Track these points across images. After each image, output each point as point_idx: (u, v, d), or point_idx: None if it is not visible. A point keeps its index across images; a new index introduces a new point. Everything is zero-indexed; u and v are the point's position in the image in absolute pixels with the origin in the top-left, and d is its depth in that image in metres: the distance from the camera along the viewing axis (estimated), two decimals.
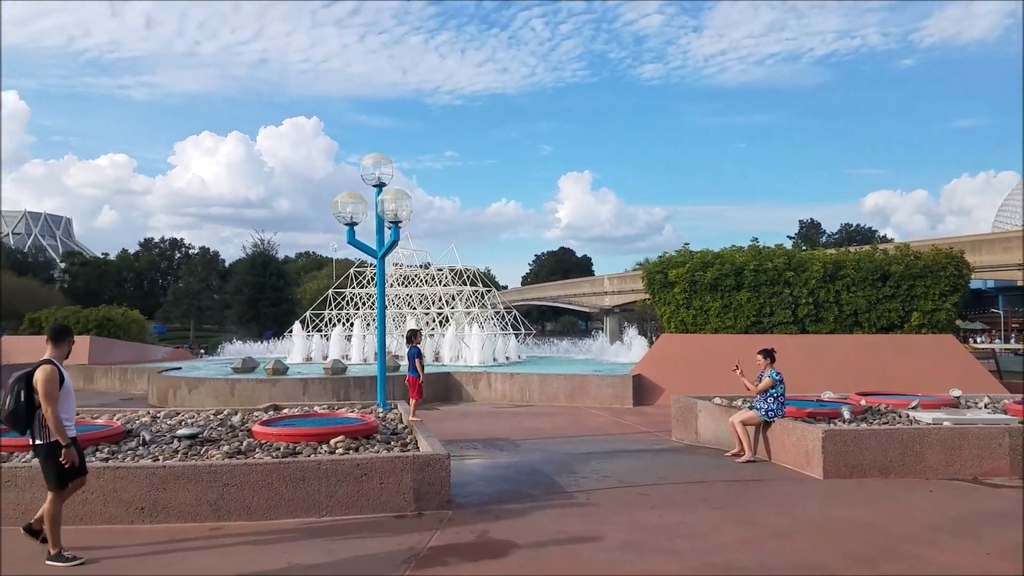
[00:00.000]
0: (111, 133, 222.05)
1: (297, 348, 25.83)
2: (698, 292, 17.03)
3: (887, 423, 9.67)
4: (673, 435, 11.77)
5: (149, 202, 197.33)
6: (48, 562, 5.66)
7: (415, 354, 11.68)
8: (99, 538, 6.31)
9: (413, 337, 12.07)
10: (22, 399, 5.60)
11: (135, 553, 5.99)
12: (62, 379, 5.70)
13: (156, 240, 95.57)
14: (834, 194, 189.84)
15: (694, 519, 6.97)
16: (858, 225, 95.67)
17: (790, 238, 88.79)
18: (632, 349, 23.37)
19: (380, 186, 10.67)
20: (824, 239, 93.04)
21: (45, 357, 5.77)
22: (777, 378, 9.78)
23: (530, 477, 8.91)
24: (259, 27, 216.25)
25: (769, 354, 10.00)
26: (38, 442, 5.71)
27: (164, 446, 7.97)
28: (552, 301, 75.99)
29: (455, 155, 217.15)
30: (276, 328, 52.82)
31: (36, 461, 6.10)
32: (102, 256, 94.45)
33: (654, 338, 23.58)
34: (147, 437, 8.21)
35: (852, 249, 18.45)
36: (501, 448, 10.95)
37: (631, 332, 25.53)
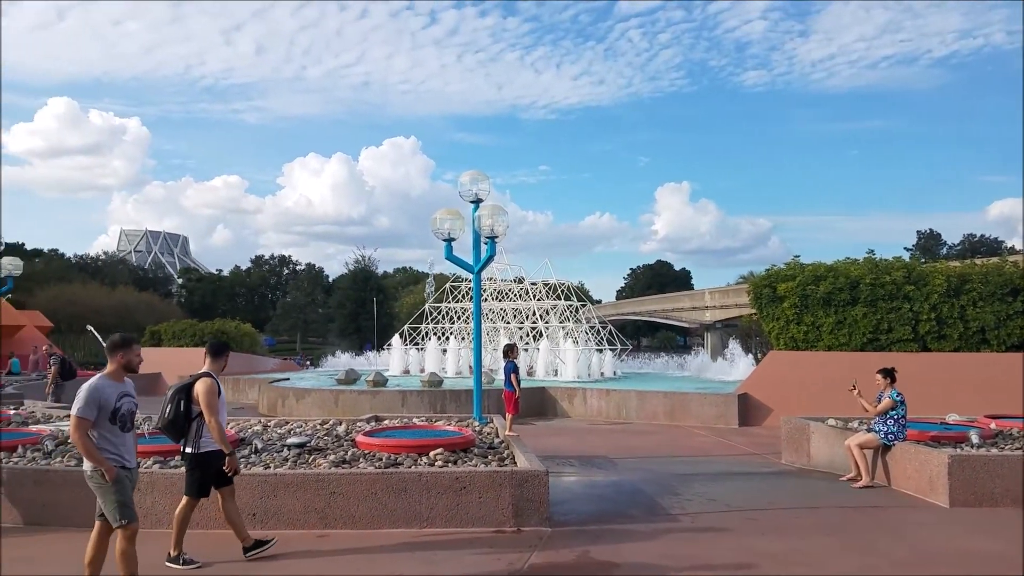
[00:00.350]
0: (225, 156, 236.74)
1: (396, 361, 26.40)
2: (809, 307, 16.24)
3: (1020, 448, 8.85)
4: (783, 458, 11.21)
5: (259, 221, 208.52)
6: (168, 564, 5.92)
7: (511, 369, 11.65)
8: (213, 542, 6.56)
9: (509, 352, 12.06)
10: (181, 409, 5.86)
11: (247, 558, 6.17)
12: (219, 391, 5.98)
13: (266, 257, 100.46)
14: (955, 203, 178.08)
15: (807, 546, 6.58)
16: (982, 235, 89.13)
17: (907, 250, 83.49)
18: (736, 366, 22.56)
19: (477, 202, 10.76)
20: (945, 251, 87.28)
21: (204, 370, 6.05)
22: (898, 399, 9.16)
23: (631, 497, 8.68)
24: (361, 51, 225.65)
25: (889, 373, 9.39)
26: (188, 450, 5.98)
27: (275, 454, 8.25)
28: (649, 316, 74.55)
29: (549, 169, 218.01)
30: (376, 341, 54.37)
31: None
32: (216, 272, 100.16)
33: (760, 355, 22.69)
34: (259, 445, 8.52)
35: (978, 261, 17.15)
36: (599, 466, 10.74)
37: (734, 348, 24.63)
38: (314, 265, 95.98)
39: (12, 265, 17.88)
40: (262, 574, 5.84)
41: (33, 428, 10.34)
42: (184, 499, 6.06)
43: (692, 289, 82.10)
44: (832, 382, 13.65)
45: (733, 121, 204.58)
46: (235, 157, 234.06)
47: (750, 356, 24.80)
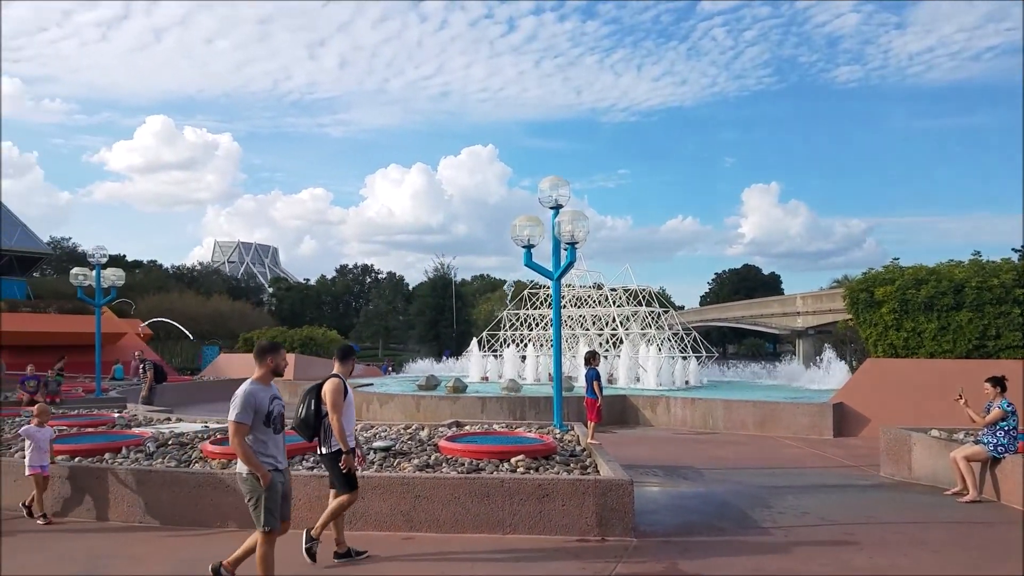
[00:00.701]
0: (311, 168, 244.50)
1: (474, 367, 26.62)
2: (910, 312, 15.40)
3: None
4: (881, 470, 10.63)
5: (343, 231, 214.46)
6: (337, 559, 6.24)
7: (593, 376, 11.51)
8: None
9: (592, 359, 11.92)
10: (312, 408, 6.11)
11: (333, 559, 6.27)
12: (346, 392, 6.20)
13: (350, 266, 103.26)
14: None
15: (910, 563, 6.19)
16: None
17: (1016, 251, 78.21)
18: (830, 374, 21.58)
19: (557, 208, 10.68)
20: None
21: (333, 372, 6.30)
22: (1008, 409, 8.55)
23: (719, 509, 8.39)
24: (441, 62, 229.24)
25: (999, 382, 8.77)
26: (323, 451, 6.23)
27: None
28: (736, 322, 72.31)
29: (628, 173, 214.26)
30: (454, 347, 55.00)
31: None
32: (304, 281, 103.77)
33: (855, 363, 21.68)
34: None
35: None
36: (684, 476, 10.45)
37: (828, 356, 23.60)
38: (395, 273, 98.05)
39: (115, 276, 18.93)
40: (354, 573, 5.93)
41: (136, 430, 10.90)
42: (340, 497, 6.26)
43: (782, 294, 79.19)
44: (934, 391, 12.90)
45: (824, 119, 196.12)
46: (320, 170, 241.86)
47: (845, 364, 23.71)
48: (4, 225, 39.71)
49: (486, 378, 25.41)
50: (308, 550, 6.17)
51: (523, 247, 10.64)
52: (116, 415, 13.13)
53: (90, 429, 11.11)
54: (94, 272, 18.58)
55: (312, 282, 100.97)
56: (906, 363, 15.30)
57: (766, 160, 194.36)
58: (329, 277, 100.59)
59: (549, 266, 11.04)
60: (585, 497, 6.99)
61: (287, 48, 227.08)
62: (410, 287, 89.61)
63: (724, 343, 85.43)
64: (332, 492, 6.46)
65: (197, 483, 7.40)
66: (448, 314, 64.96)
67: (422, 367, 34.50)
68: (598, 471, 7.77)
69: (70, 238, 75.39)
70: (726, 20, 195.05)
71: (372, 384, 23.52)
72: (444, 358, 41.55)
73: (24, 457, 7.90)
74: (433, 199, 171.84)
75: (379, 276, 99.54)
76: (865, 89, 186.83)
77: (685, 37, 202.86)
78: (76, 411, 14.11)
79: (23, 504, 7.85)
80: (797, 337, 60.22)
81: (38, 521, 7.58)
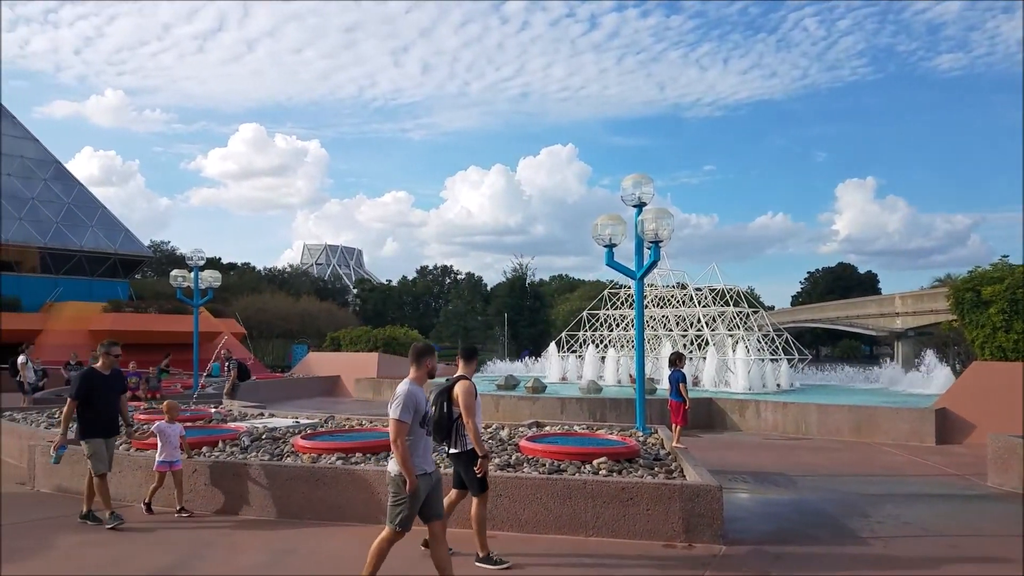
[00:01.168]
0: (393, 172, 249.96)
1: (553, 367, 26.59)
2: (1020, 313, 14.42)
3: None
4: (989, 480, 9.96)
5: (424, 233, 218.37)
6: (478, 564, 6.08)
7: (679, 378, 11.25)
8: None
9: (677, 361, 11.65)
10: (444, 410, 6.05)
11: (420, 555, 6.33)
12: (476, 393, 6.13)
13: (430, 267, 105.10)
14: None
15: None
16: None
17: None
18: (932, 378, 20.44)
19: (640, 206, 10.51)
20: None
21: (460, 373, 6.23)
22: None
23: (813, 518, 8.04)
24: (521, 63, 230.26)
25: None
26: (455, 450, 6.13)
27: (443, 454, 8.46)
28: (830, 323, 69.32)
29: (714, 169, 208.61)
30: (532, 348, 55.06)
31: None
32: (386, 282, 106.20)
33: (960, 366, 20.46)
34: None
35: None
36: (775, 483, 10.08)
37: (930, 359, 22.36)
38: (473, 274, 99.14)
39: (212, 278, 19.92)
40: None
41: (232, 425, 11.36)
42: (474, 499, 6.20)
43: (879, 294, 75.61)
44: None
45: (924, 109, 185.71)
46: (403, 173, 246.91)
47: (948, 367, 22.42)
48: (108, 229, 42.27)
49: (565, 379, 25.33)
50: (493, 561, 6.07)
51: (605, 246, 10.52)
52: (212, 410, 13.75)
53: (188, 424, 11.63)
54: (192, 274, 19.53)
55: (394, 283, 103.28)
56: (1016, 367, 14.29)
57: (861, 154, 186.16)
58: (410, 278, 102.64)
59: (631, 265, 10.88)
60: (671, 502, 6.82)
61: (372, 55, 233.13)
62: (488, 288, 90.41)
63: (817, 345, 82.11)
64: (454, 492, 6.43)
65: (289, 476, 7.63)
66: (527, 314, 65.11)
67: (501, 367, 34.70)
68: (684, 476, 7.58)
69: (169, 241, 79.80)
70: (818, 10, 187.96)
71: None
72: (523, 358, 41.69)
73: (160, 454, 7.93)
74: (512, 200, 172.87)
75: (458, 277, 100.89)
76: (969, 78, 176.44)
77: (775, 28, 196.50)
78: None
79: (144, 503, 7.91)
80: (896, 339, 57.37)
81: (177, 515, 7.72)
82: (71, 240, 40.21)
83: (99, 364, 7.76)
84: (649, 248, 10.35)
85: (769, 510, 8.42)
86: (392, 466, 5.22)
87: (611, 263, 10.69)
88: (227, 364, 20.49)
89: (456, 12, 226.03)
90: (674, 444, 9.53)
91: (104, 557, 6.26)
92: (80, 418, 7.53)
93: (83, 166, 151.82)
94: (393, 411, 5.14)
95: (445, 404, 6.07)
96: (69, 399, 7.57)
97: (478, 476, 6.07)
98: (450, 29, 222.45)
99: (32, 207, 39.47)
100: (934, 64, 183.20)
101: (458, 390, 6.04)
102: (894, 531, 7.35)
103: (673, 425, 10.88)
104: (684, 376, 11.33)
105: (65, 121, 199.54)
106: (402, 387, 5.25)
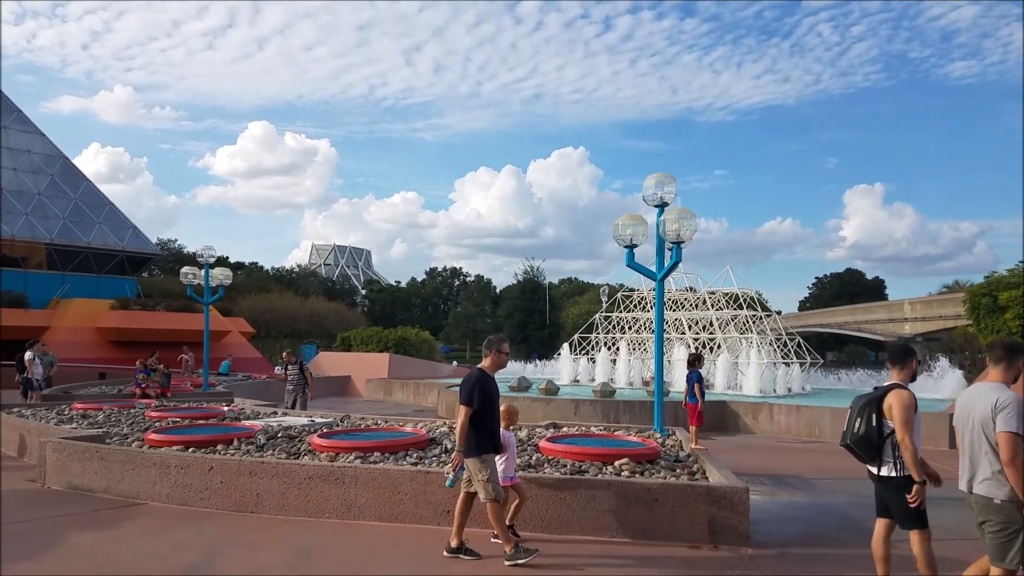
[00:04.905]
0: (403, 173, 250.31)
1: (565, 370, 26.47)
2: None
3: None
4: None
5: (433, 235, 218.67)
6: None
7: (696, 378, 11.14)
8: (411, 536, 6.75)
9: (696, 362, 11.54)
10: (873, 423, 5.15)
11: (442, 554, 6.25)
12: (915, 407, 5.13)
13: (439, 269, 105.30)
14: None
15: None
16: None
17: None
18: (943, 383, 20.26)
19: (662, 206, 10.40)
20: None
21: (894, 382, 5.26)
22: None
23: (837, 520, 7.95)
24: (534, 64, 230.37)
25: None
26: (885, 473, 5.18)
27: None
28: (839, 328, 69.07)
29: (725, 173, 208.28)
30: (541, 350, 54.91)
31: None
32: (395, 284, 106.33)
33: (972, 371, 20.28)
34: (448, 445, 8.71)
35: None
36: (794, 486, 9.96)
37: (941, 364, 22.18)
38: (482, 277, 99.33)
39: (223, 275, 19.79)
40: (461, 573, 5.87)
41: (246, 423, 11.29)
42: (915, 537, 5.18)
43: (885, 299, 75.31)
44: None
45: (935, 117, 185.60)
46: (412, 174, 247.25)
47: (960, 372, 22.22)
48: (116, 226, 42.32)
49: (577, 381, 25.21)
50: None
51: (625, 247, 10.42)
52: (225, 408, 13.70)
53: (202, 421, 11.60)
54: (203, 271, 19.48)
55: (403, 284, 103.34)
56: None
57: (871, 161, 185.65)
58: (419, 280, 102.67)
59: (648, 268, 10.78)
60: (697, 504, 6.72)
61: (384, 54, 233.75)
62: (497, 290, 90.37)
63: (823, 350, 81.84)
64: (881, 522, 5.55)
65: (308, 475, 7.55)
66: (537, 317, 64.99)
67: (512, 369, 34.60)
68: (707, 477, 7.48)
69: (176, 240, 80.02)
70: (833, 15, 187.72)
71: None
72: (533, 360, 41.57)
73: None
74: (522, 202, 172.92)
75: (467, 279, 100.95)
76: (981, 86, 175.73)
77: (789, 33, 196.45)
78: (187, 404, 14.80)
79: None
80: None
81: (493, 539, 6.46)
82: (78, 237, 40.27)
83: (486, 364, 6.46)
84: (670, 249, 10.24)
85: (792, 513, 8.30)
86: (995, 490, 4.51)
87: (632, 264, 10.58)
88: (291, 367, 15.73)
89: (470, 12, 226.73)
90: (693, 446, 9.42)
91: (125, 555, 6.19)
92: (475, 430, 6.15)
93: (90, 162, 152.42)
94: (1012, 424, 4.34)
95: (875, 416, 5.14)
96: (463, 407, 6.13)
97: (911, 506, 5.01)
98: (463, 28, 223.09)
99: (39, 203, 39.53)
100: (946, 71, 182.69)
101: (892, 400, 5.04)
102: None
103: (690, 426, 10.77)
104: (701, 377, 11.23)
105: (72, 117, 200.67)
106: (1007, 394, 4.45)
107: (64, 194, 40.98)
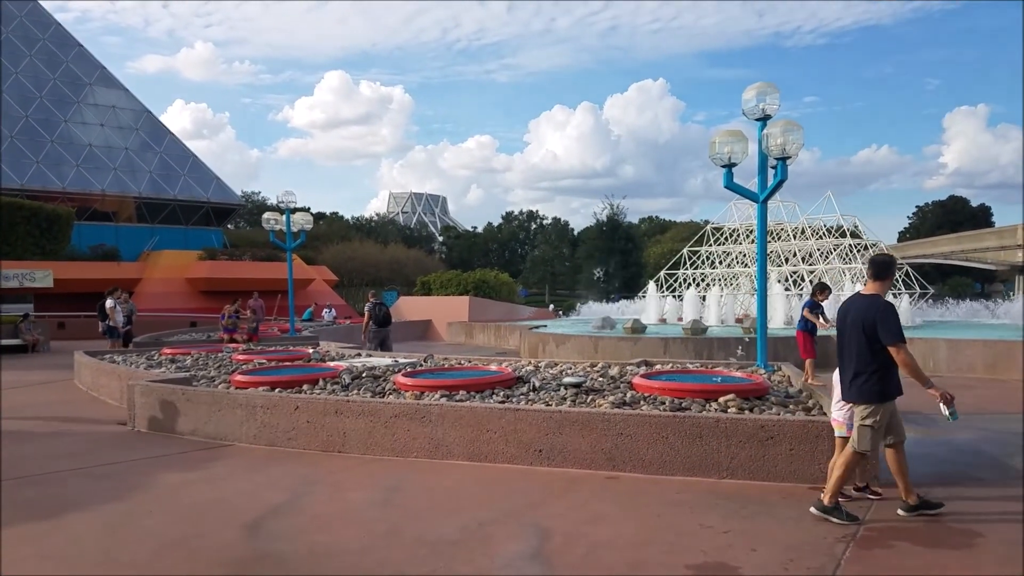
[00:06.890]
0: (477, 117, 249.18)
1: (651, 308, 25.64)
2: None
3: None
4: None
5: (508, 179, 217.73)
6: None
7: (808, 305, 10.25)
8: (501, 475, 6.37)
9: (820, 291, 10.61)
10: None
11: (539, 494, 5.83)
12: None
13: (515, 213, 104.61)
14: None
15: None
16: None
17: None
18: None
19: (764, 119, 9.40)
20: None
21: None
22: None
23: (971, 457, 7.14)
24: None
25: None
26: None
27: (552, 392, 7.94)
28: (944, 258, 64.65)
29: (816, 100, 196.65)
30: (624, 291, 53.93)
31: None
32: (472, 229, 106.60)
33: None
34: (536, 383, 8.27)
35: None
36: (917, 423, 9.04)
37: None
38: (559, 219, 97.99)
39: (304, 220, 19.76)
40: (554, 512, 5.43)
41: (331, 364, 11.18)
42: None
43: (993, 227, 70.08)
44: None
45: None
46: (487, 118, 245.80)
47: None
48: (201, 179, 43.39)
49: (663, 320, 24.39)
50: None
51: (723, 166, 9.51)
52: (310, 351, 13.70)
53: (288, 363, 11.56)
54: (284, 216, 19.52)
55: (479, 230, 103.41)
56: None
57: (975, 80, 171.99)
58: (495, 224, 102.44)
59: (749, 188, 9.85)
60: (819, 441, 6.03)
61: None
62: (575, 232, 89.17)
63: (927, 282, 77.53)
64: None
65: (393, 414, 7.25)
66: (618, 256, 63.69)
67: (594, 309, 33.98)
68: (823, 413, 6.75)
69: (259, 192, 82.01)
70: None
71: (546, 326, 23.31)
72: (614, 301, 40.81)
73: None
74: (599, 141, 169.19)
75: (544, 222, 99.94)
76: None
77: None
78: (273, 348, 14.93)
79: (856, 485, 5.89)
80: (1018, 273, 53.12)
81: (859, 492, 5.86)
82: (165, 190, 41.53)
83: (878, 288, 5.40)
84: (774, 167, 9.26)
85: (922, 451, 7.48)
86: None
87: (730, 184, 9.66)
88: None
89: None
90: (809, 380, 8.64)
91: (212, 495, 6.04)
92: (886, 370, 5.32)
93: (175, 119, 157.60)
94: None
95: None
96: (899, 346, 5.18)
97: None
98: None
99: (127, 158, 40.81)
100: None
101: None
102: None
103: (803, 359, 9.94)
104: (814, 304, 10.33)
105: (157, 75, 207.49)
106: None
107: (150, 149, 42.20)
